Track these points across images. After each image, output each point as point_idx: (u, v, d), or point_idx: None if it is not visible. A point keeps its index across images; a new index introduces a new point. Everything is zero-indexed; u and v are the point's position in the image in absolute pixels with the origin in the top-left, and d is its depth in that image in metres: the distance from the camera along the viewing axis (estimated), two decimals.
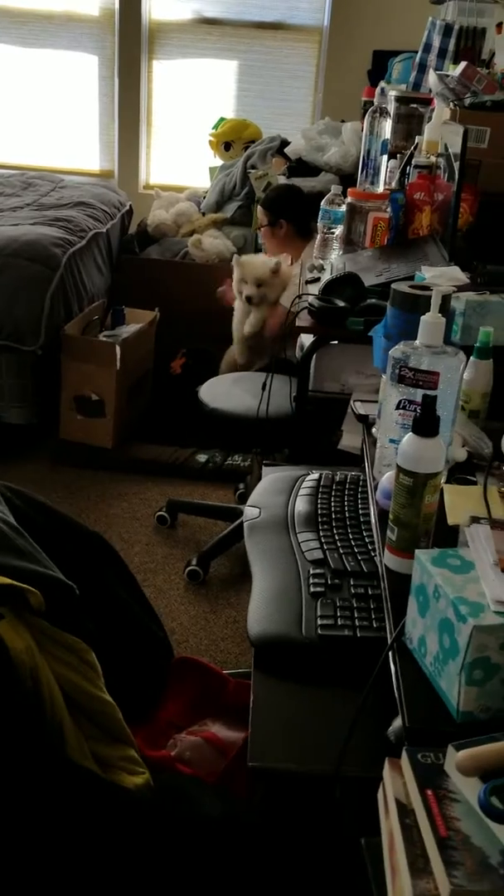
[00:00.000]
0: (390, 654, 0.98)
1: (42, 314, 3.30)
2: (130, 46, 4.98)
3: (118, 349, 3.33)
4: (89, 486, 3.22)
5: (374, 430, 1.46)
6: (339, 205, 2.61)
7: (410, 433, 1.05)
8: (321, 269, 2.52)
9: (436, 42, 3.22)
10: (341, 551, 1.43)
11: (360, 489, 1.63)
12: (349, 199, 2.52)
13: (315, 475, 1.70)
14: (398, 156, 2.72)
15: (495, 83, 2.45)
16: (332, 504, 1.58)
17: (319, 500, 1.59)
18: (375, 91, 3.01)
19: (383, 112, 2.68)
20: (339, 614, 1.27)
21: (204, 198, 4.52)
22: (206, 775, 1.39)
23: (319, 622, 1.25)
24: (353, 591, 1.33)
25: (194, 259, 4.13)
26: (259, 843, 1.18)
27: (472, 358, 1.47)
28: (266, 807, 1.17)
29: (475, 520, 1.08)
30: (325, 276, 2.31)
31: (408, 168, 2.51)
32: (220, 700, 1.63)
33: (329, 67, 4.88)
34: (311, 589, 1.33)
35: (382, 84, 3.50)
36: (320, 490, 1.63)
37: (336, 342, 2.06)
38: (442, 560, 0.94)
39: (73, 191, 4.42)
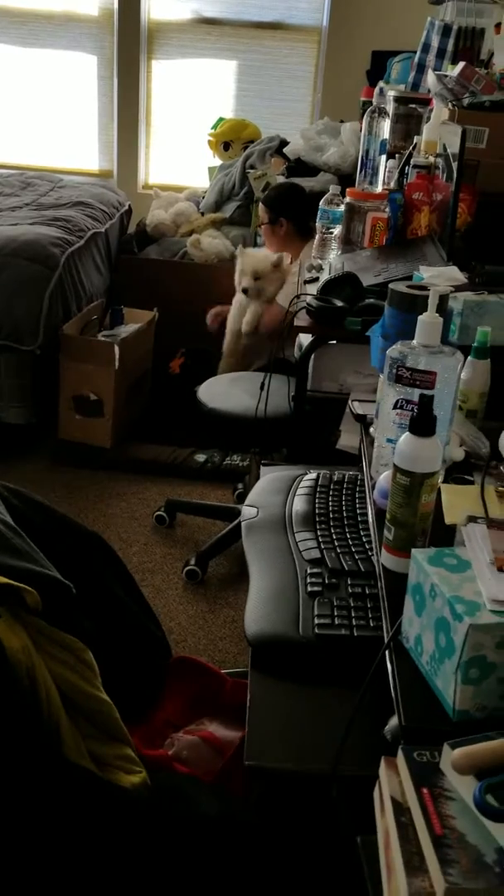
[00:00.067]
0: (387, 653, 0.98)
1: (41, 314, 3.30)
2: (129, 46, 4.98)
3: (117, 349, 3.34)
4: (88, 485, 3.22)
5: (371, 429, 1.46)
6: (338, 205, 2.61)
7: (407, 433, 1.05)
8: (320, 268, 2.52)
9: (434, 42, 3.22)
10: (339, 551, 1.43)
11: (357, 489, 1.63)
12: (348, 199, 2.53)
13: (313, 475, 1.70)
14: (397, 156, 2.72)
15: (494, 83, 2.46)
16: (330, 504, 1.58)
17: (317, 500, 1.59)
18: (374, 91, 3.01)
19: (382, 112, 2.68)
20: (336, 613, 1.27)
21: (203, 198, 4.52)
22: (204, 774, 1.39)
23: (316, 621, 1.25)
24: (350, 591, 1.33)
25: (193, 259, 4.14)
26: (256, 842, 1.18)
27: (469, 358, 1.47)
28: (263, 806, 1.17)
29: (472, 519, 1.08)
30: (324, 276, 2.32)
31: (406, 168, 2.51)
32: (217, 699, 1.63)
33: (328, 67, 4.88)
34: (309, 588, 1.34)
35: (381, 84, 3.50)
36: (318, 490, 1.63)
37: (334, 342, 2.06)
38: (438, 559, 0.94)
39: (71, 191, 4.42)
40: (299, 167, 3.93)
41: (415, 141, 2.66)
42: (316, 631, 1.24)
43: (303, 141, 3.97)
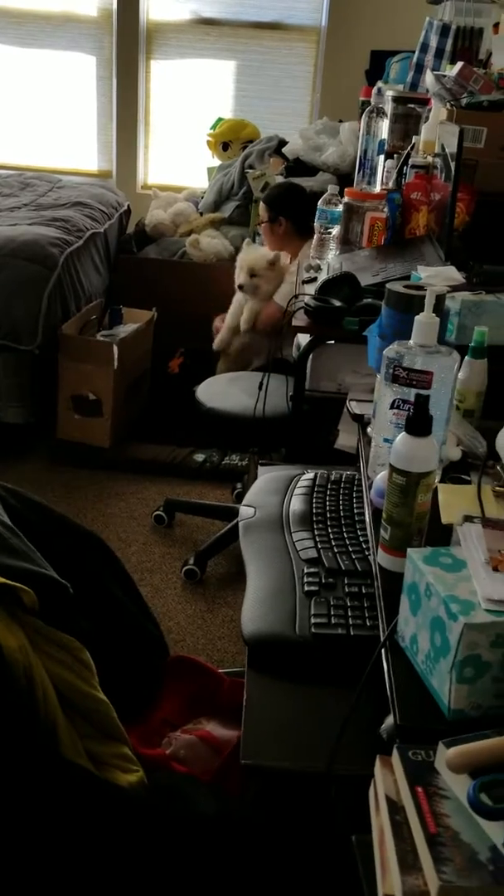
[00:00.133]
0: (383, 652, 0.98)
1: (39, 314, 3.30)
2: (128, 47, 4.99)
3: (115, 349, 3.34)
4: (87, 485, 3.22)
5: (369, 429, 1.46)
6: (336, 205, 2.61)
7: (403, 433, 1.06)
8: (318, 268, 2.52)
9: (433, 42, 3.22)
10: (336, 550, 1.43)
11: (354, 488, 1.64)
12: (346, 199, 2.53)
13: (310, 474, 1.70)
14: (395, 156, 2.72)
15: (492, 83, 2.46)
16: (327, 503, 1.58)
17: (314, 500, 1.60)
18: (372, 91, 3.01)
19: (380, 112, 2.68)
20: (332, 613, 1.27)
21: (202, 198, 4.53)
22: (201, 773, 1.39)
23: (313, 621, 1.26)
24: (346, 590, 1.33)
25: (192, 259, 4.14)
26: (252, 841, 1.18)
27: (466, 357, 1.47)
28: (259, 804, 1.18)
29: (469, 519, 1.08)
30: (322, 276, 2.32)
31: (405, 168, 2.51)
32: (215, 699, 1.64)
33: (327, 67, 4.88)
34: (306, 588, 1.34)
35: (380, 84, 3.51)
36: (315, 489, 1.63)
37: (332, 342, 2.06)
38: (434, 559, 0.94)
39: (70, 191, 4.42)
40: (298, 167, 3.93)
41: (413, 141, 2.66)
42: (312, 630, 1.24)
43: (301, 141, 3.97)
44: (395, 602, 0.99)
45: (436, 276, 1.77)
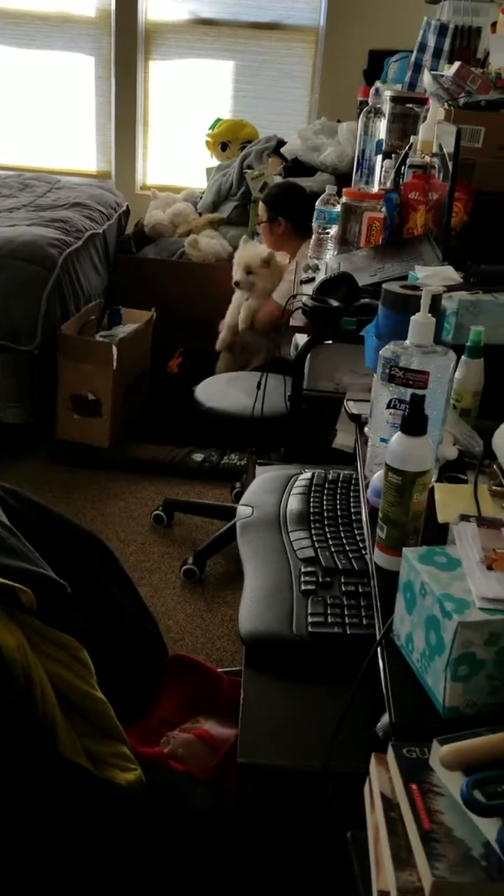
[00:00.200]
0: (378, 650, 0.98)
1: (38, 314, 3.30)
2: (127, 47, 4.99)
3: (115, 349, 3.34)
4: (86, 485, 3.23)
5: (366, 429, 1.46)
6: (334, 205, 2.62)
7: (399, 432, 1.06)
8: (316, 268, 2.53)
9: (431, 42, 3.22)
10: (332, 549, 1.44)
11: (352, 488, 1.64)
12: (344, 199, 2.53)
13: (308, 474, 1.71)
14: (393, 155, 2.73)
15: (489, 83, 2.46)
16: (325, 503, 1.59)
17: (312, 499, 1.60)
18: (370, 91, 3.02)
19: (377, 112, 2.68)
20: (329, 612, 1.28)
21: (200, 198, 4.53)
22: (199, 772, 1.40)
23: (310, 619, 1.26)
24: (343, 589, 1.33)
25: (191, 259, 4.14)
26: (248, 838, 1.19)
27: (463, 357, 1.48)
28: (256, 802, 1.18)
29: (465, 518, 1.09)
30: (320, 276, 2.32)
31: (403, 168, 2.52)
32: (214, 698, 1.64)
33: (325, 67, 4.88)
34: (303, 587, 1.34)
35: (378, 84, 3.51)
36: (313, 489, 1.64)
37: (330, 341, 2.07)
38: (429, 558, 0.95)
39: (69, 192, 4.43)
40: (296, 167, 3.94)
41: (411, 141, 2.67)
42: (309, 629, 1.25)
43: (300, 141, 3.98)
44: (392, 601, 1.00)
45: (433, 275, 1.78)
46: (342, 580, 1.36)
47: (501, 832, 0.69)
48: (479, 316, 1.63)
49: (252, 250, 3.15)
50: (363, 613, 1.27)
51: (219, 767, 1.40)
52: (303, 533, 1.49)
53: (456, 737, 0.77)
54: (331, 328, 2.01)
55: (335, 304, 2.01)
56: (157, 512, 3.00)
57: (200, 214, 4.42)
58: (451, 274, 1.81)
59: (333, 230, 2.61)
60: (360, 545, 1.45)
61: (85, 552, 1.57)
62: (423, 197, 2.26)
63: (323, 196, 2.66)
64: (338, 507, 1.57)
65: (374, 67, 4.36)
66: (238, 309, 3.20)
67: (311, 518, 1.54)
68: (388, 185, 2.61)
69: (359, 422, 1.59)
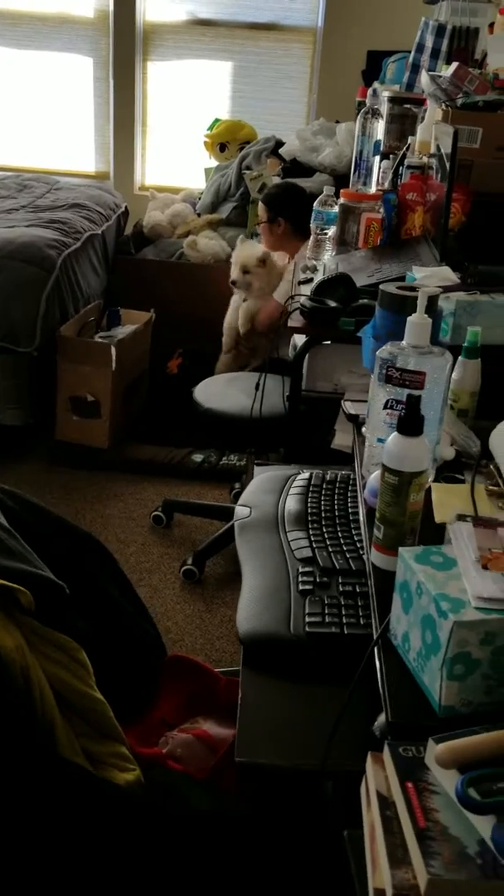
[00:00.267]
0: (375, 650, 0.99)
1: (37, 316, 3.31)
2: (125, 48, 4.99)
3: (114, 350, 3.35)
4: (85, 486, 3.23)
5: (363, 429, 1.47)
6: (332, 206, 2.62)
7: (395, 432, 1.06)
8: (314, 269, 2.53)
9: (429, 42, 3.22)
10: (330, 549, 1.44)
11: (349, 488, 1.64)
12: (342, 200, 2.54)
13: (306, 474, 1.71)
14: (391, 156, 2.73)
15: (487, 83, 2.47)
16: (322, 503, 1.59)
17: (309, 499, 1.61)
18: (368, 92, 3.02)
19: (375, 113, 2.69)
20: (326, 612, 1.28)
21: (199, 199, 4.53)
22: (197, 772, 1.40)
23: (307, 619, 1.27)
24: (341, 589, 1.34)
25: (190, 260, 4.15)
26: (246, 837, 1.19)
27: (460, 357, 1.48)
28: (254, 802, 1.19)
29: (462, 518, 1.09)
30: (318, 277, 2.33)
31: (400, 168, 2.52)
32: (212, 698, 1.64)
33: (323, 68, 4.89)
34: (300, 587, 1.35)
35: (376, 85, 3.51)
36: (310, 489, 1.64)
37: (328, 342, 2.07)
38: (425, 557, 0.95)
39: (68, 192, 4.43)
40: (295, 168, 3.94)
41: (409, 141, 2.67)
42: (307, 629, 1.25)
43: (298, 141, 3.98)
44: (389, 600, 1.00)
45: (431, 276, 1.78)
46: (339, 580, 1.36)
47: (496, 830, 0.70)
48: (476, 316, 1.64)
49: (248, 250, 3.16)
50: (360, 613, 1.27)
51: (217, 767, 1.40)
52: (300, 533, 1.50)
53: (451, 735, 0.78)
54: (329, 329, 2.02)
55: (333, 304, 2.02)
56: (156, 513, 3.01)
57: (199, 215, 4.42)
58: (448, 274, 1.82)
59: (331, 231, 2.61)
60: (358, 545, 1.45)
61: (83, 553, 1.58)
62: (421, 198, 2.27)
63: (320, 197, 2.67)
64: (335, 507, 1.58)
65: (373, 68, 4.36)
66: (237, 310, 3.21)
67: (309, 518, 1.54)
68: (386, 185, 2.62)
69: (356, 422, 1.59)
